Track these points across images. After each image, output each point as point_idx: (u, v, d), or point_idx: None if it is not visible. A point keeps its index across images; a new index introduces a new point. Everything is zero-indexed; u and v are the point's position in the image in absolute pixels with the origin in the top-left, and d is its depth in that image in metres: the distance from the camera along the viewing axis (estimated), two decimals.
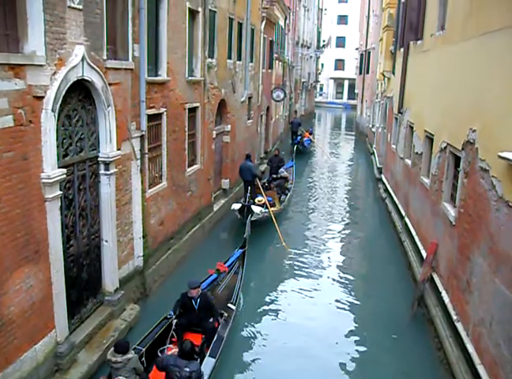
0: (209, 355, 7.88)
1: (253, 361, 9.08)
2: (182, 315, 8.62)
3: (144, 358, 7.73)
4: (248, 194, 15.91)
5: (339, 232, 16.88)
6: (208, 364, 7.66)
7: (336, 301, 11.53)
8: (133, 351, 7.22)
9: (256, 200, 16.11)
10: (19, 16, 6.41)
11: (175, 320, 8.53)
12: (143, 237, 10.55)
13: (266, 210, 15.58)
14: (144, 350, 7.83)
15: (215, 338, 8.32)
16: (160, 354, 8.01)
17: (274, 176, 20.22)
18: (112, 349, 6.97)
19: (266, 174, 21.50)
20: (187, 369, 6.73)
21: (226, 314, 9.10)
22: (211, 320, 8.66)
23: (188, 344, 7.16)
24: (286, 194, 18.95)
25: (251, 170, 16.43)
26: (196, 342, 8.22)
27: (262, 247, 14.58)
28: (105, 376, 7.09)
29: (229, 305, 9.54)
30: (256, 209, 15.01)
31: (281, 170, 20.49)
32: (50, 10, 6.73)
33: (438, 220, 10.66)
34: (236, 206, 15.39)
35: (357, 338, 9.95)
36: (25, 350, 6.83)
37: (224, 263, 11.05)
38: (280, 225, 15.52)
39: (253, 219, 14.18)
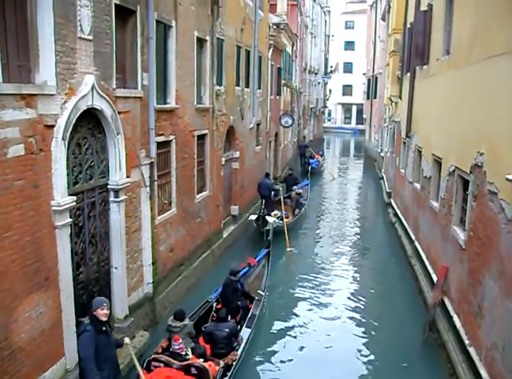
0: (246, 326, 10.18)
1: (277, 331, 11.29)
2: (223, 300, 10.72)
3: None
4: (264, 206, 18.48)
5: (349, 256, 16.85)
6: (245, 332, 9.93)
7: (344, 325, 11.52)
8: (188, 319, 9.00)
9: (272, 214, 18.22)
10: (31, 47, 6.57)
11: (215, 303, 10.85)
12: (152, 264, 10.56)
13: (281, 222, 17.69)
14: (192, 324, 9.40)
15: (249, 315, 10.64)
16: (203, 329, 9.65)
17: (286, 195, 21.70)
18: (172, 317, 8.79)
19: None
20: (227, 330, 8.91)
21: (257, 298, 11.45)
22: (245, 301, 11.01)
23: (223, 312, 9.28)
24: (300, 209, 20.82)
25: (269, 187, 19.18)
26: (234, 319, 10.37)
27: (276, 252, 15.41)
28: (165, 339, 8.82)
29: (259, 291, 11.76)
30: (270, 219, 17.07)
31: (295, 187, 22.18)
32: (61, 41, 6.88)
33: (448, 244, 10.60)
34: (253, 217, 17.52)
35: (367, 367, 9.81)
36: (35, 378, 6.81)
37: (254, 258, 13.22)
38: (292, 240, 17.14)
39: (267, 228, 16.48)
